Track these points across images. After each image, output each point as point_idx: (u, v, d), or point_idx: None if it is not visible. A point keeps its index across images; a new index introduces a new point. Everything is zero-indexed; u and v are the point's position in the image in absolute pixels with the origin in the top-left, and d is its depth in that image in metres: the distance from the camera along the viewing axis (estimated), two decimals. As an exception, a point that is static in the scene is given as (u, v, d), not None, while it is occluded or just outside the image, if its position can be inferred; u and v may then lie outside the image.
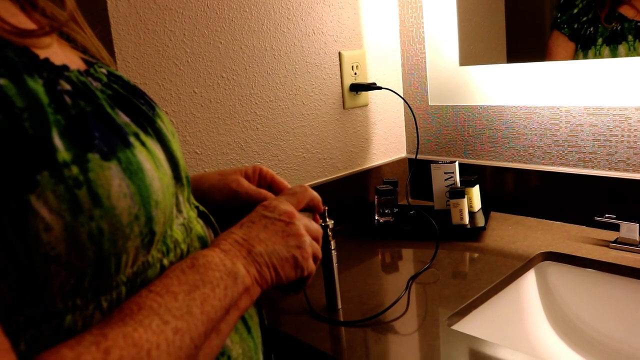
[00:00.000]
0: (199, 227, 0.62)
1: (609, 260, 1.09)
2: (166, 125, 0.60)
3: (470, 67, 1.42)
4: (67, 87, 0.48)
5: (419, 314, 0.96)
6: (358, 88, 1.45)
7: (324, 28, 1.38)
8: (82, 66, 0.57)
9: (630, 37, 1.20)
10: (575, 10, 1.28)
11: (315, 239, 0.68)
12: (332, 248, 0.96)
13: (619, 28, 1.23)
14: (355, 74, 1.45)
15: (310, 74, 1.36)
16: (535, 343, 1.09)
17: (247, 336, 0.63)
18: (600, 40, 1.24)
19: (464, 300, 0.98)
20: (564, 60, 1.28)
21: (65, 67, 0.50)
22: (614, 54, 1.22)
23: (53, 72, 0.48)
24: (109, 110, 0.50)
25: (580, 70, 1.22)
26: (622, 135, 1.20)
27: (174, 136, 0.61)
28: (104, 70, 0.58)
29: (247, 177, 0.82)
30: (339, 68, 1.43)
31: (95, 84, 0.53)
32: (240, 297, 0.55)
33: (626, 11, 1.22)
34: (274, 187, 0.83)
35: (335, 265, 0.97)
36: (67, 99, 0.47)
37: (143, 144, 0.51)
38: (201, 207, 0.69)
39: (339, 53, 1.42)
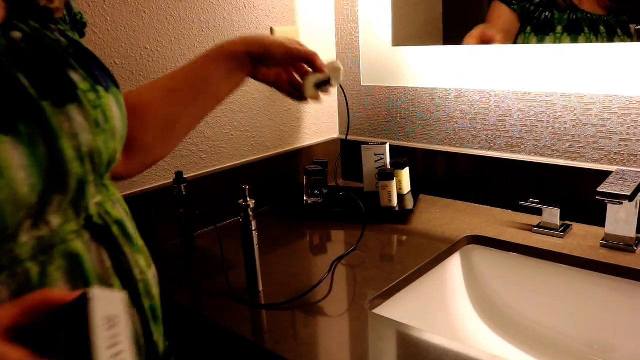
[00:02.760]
0: (76, 243, 0.53)
1: (531, 245, 1.10)
2: (84, 112, 0.52)
3: (403, 47, 1.40)
4: None
5: (342, 297, 0.95)
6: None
7: (255, 2, 1.33)
8: None
9: (559, 29, 1.22)
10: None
11: None
12: (253, 228, 0.93)
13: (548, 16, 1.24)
14: (288, 51, 1.41)
15: (241, 49, 1.31)
16: (458, 325, 1.10)
17: None
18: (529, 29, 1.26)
19: (387, 283, 0.97)
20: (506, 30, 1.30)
21: None
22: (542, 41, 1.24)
23: None
24: None
25: (510, 55, 1.22)
26: (548, 121, 1.21)
27: (97, 126, 0.54)
28: (17, 34, 0.51)
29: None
30: (270, 44, 1.38)
31: None
32: None
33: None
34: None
35: (256, 246, 0.94)
36: None
37: None
38: (112, 216, 0.59)
39: (271, 29, 1.38)
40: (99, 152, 0.55)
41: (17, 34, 0.52)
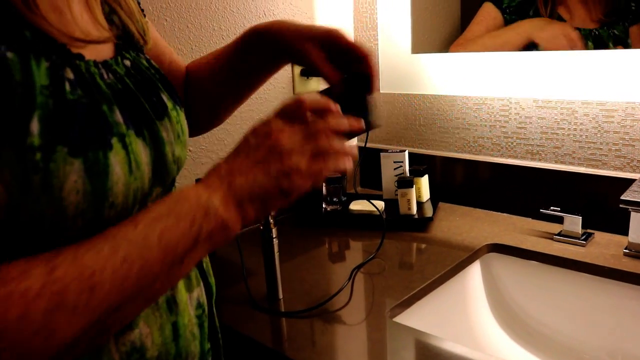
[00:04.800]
0: None
1: (552, 253, 1.09)
2: (172, 127, 0.63)
3: (422, 55, 1.40)
4: (70, 75, 0.51)
5: (362, 305, 0.95)
6: (309, 73, 1.41)
7: (275, 10, 1.34)
8: (109, 55, 0.61)
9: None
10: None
11: (316, 132, 0.59)
12: (274, 236, 0.94)
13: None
14: (307, 58, 1.42)
15: (260, 57, 1.32)
16: (478, 334, 1.09)
17: (167, 321, 0.61)
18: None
19: (407, 292, 0.97)
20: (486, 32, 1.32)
21: (78, 56, 0.53)
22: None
23: (62, 58, 0.51)
24: (104, 107, 0.53)
25: (530, 62, 1.22)
26: (569, 129, 1.20)
27: (178, 138, 0.64)
28: (127, 63, 0.62)
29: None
30: (289, 52, 1.39)
31: (107, 76, 0.56)
32: (213, 231, 0.53)
33: (562, 12, 1.24)
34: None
35: (276, 253, 0.95)
36: (67, 86, 0.50)
37: (126, 146, 0.53)
38: None
39: (290, 36, 1.38)
40: (181, 158, 0.66)
41: (127, 62, 0.63)
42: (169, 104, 0.65)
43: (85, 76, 0.53)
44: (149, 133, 0.58)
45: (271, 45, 0.79)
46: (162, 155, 0.60)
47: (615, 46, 1.22)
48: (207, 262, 0.73)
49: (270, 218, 0.93)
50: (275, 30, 0.78)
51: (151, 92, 0.63)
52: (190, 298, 0.66)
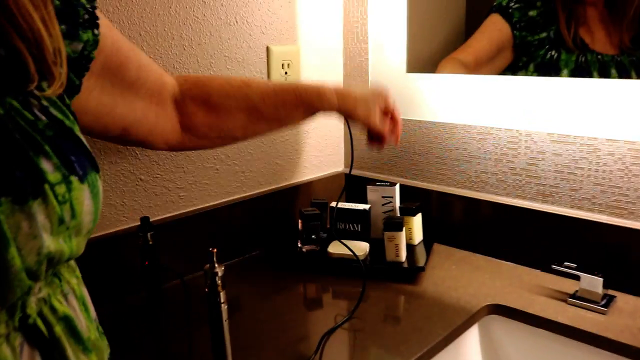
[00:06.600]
0: (3, 349, 0.45)
1: (566, 322, 0.90)
2: (48, 210, 0.46)
3: (419, 75, 1.21)
4: None
5: (329, 390, 0.76)
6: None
7: (249, 17, 1.15)
8: None
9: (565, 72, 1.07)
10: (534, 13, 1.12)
11: None
12: (222, 301, 0.75)
13: (555, 56, 1.09)
14: (286, 73, 1.23)
15: (230, 71, 1.14)
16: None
17: None
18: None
19: (387, 373, 0.78)
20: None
21: None
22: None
23: None
24: None
25: (545, 89, 1.03)
26: (589, 169, 1.02)
27: (62, 224, 0.47)
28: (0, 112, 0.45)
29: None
30: (266, 66, 1.20)
31: None
32: None
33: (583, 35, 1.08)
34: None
35: (225, 322, 0.75)
36: None
37: None
38: (59, 313, 0.51)
39: (267, 48, 1.20)
40: (60, 252, 0.48)
41: None
42: (53, 177, 0.47)
43: None
44: None
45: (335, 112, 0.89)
46: (2, 263, 0.43)
47: (638, 77, 1.04)
48: None
49: (217, 279, 0.74)
50: (353, 115, 0.89)
51: (19, 161, 0.45)
52: None
